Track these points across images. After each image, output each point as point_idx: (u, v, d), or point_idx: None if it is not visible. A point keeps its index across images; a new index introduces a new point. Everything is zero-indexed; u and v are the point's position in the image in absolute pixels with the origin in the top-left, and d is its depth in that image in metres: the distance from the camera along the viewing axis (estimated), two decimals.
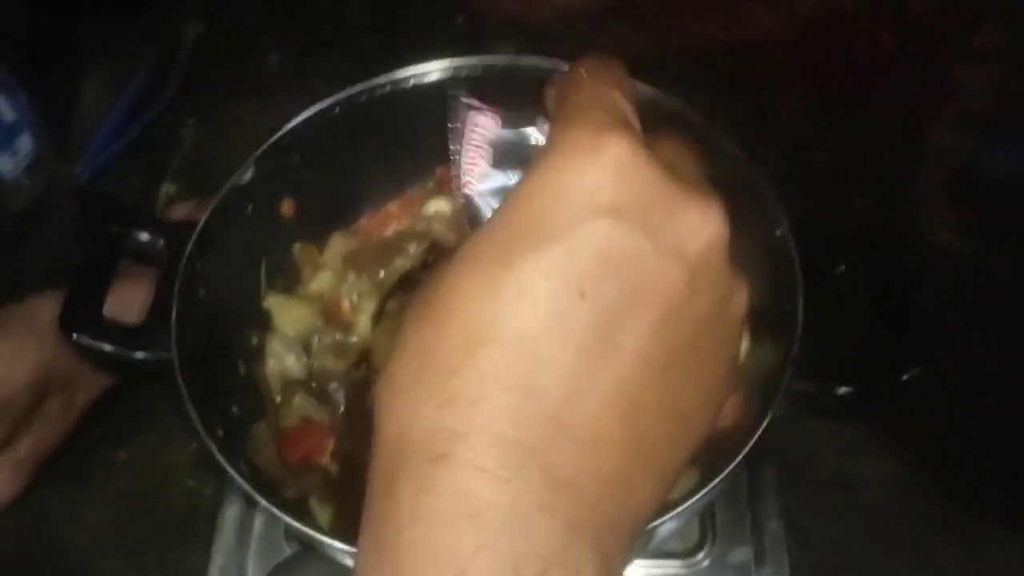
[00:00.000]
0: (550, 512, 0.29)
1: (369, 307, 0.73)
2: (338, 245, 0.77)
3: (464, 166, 0.41)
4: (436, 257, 0.75)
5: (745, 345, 0.69)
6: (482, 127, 0.41)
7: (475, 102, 0.42)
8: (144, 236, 0.67)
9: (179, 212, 0.91)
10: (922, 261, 0.69)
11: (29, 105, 0.97)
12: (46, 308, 0.75)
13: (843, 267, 0.64)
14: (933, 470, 0.81)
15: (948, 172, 0.95)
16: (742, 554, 0.70)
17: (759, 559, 0.70)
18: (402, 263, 0.74)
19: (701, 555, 0.70)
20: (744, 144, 0.71)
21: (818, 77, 1.05)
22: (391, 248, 0.76)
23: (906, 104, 1.01)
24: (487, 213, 0.41)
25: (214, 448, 0.58)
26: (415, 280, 0.73)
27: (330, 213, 0.78)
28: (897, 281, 0.62)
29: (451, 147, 0.41)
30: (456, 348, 0.30)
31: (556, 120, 0.35)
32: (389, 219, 0.79)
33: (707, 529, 0.71)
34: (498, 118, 0.41)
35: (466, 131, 0.41)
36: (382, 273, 0.74)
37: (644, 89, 0.70)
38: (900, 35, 1.04)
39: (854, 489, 0.82)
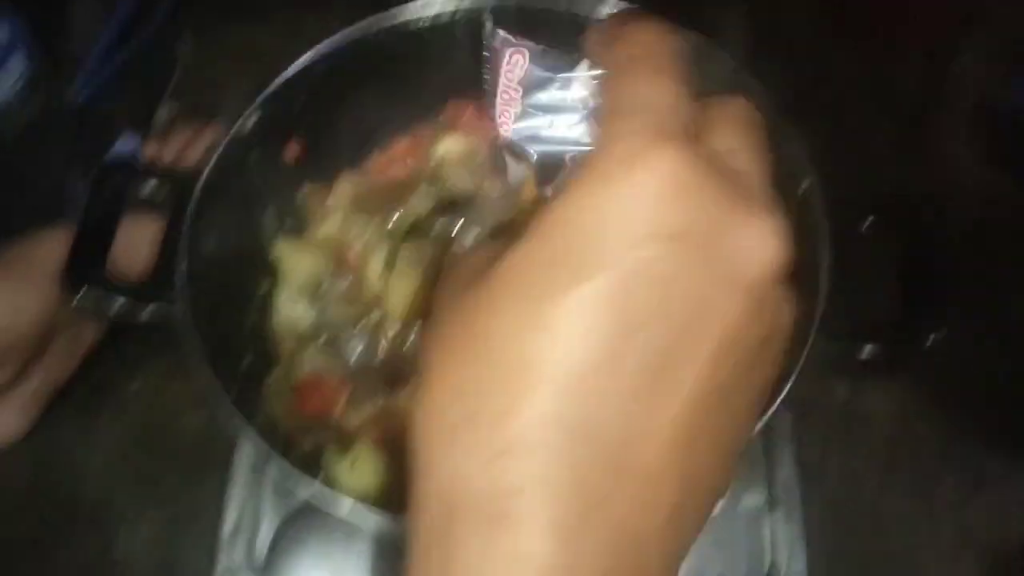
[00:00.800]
0: (614, 566, 0.28)
1: (379, 253, 0.71)
2: (346, 187, 0.75)
3: (499, 106, 0.39)
4: (447, 199, 0.73)
5: None
6: (519, 67, 0.39)
7: (512, 37, 0.39)
8: (148, 184, 0.65)
9: (178, 138, 0.89)
10: (944, 207, 0.67)
11: (22, 25, 0.94)
12: (50, 246, 0.74)
13: (870, 220, 0.62)
14: (942, 403, 0.82)
15: (973, 102, 0.92)
16: (755, 500, 0.71)
17: (772, 504, 0.71)
18: (413, 205, 0.73)
19: None
20: (756, 72, 0.68)
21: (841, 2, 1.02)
22: (400, 189, 0.74)
23: (930, 30, 0.97)
24: (518, 156, 0.39)
25: (231, 407, 0.58)
26: (426, 226, 0.72)
27: (337, 154, 0.75)
28: (923, 239, 0.61)
29: (485, 80, 0.39)
30: (505, 390, 0.28)
31: (602, 121, 0.31)
32: (397, 158, 0.76)
33: None
34: (536, 56, 0.39)
35: (502, 68, 0.39)
36: (392, 216, 0.72)
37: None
38: None
39: (864, 422, 0.82)
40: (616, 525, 0.28)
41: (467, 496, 0.28)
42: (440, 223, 0.72)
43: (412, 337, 0.70)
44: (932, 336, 0.57)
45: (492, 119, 0.40)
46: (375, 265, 0.71)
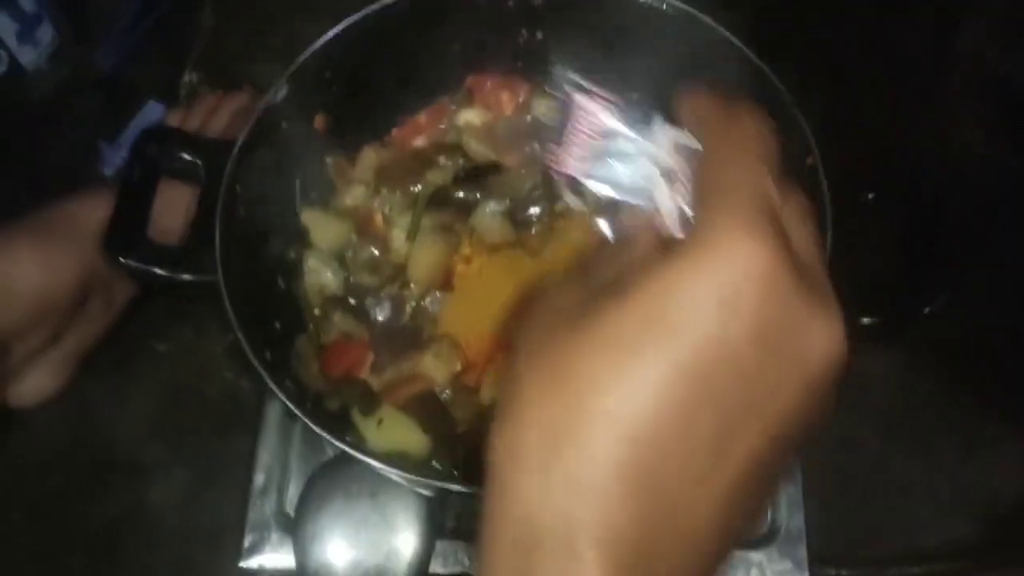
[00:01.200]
0: None
1: (403, 221, 0.74)
2: (370, 157, 0.77)
3: (568, 147, 0.41)
4: (468, 170, 0.75)
5: None
6: (592, 114, 0.40)
7: (586, 83, 0.41)
8: (184, 156, 0.68)
9: (204, 105, 0.91)
10: (950, 176, 0.69)
11: None
12: (84, 211, 0.76)
13: (872, 195, 0.64)
14: (941, 368, 0.84)
15: (979, 73, 0.94)
16: None
17: None
18: (434, 176, 0.75)
19: None
20: (762, 45, 0.70)
21: None
22: (422, 160, 0.76)
23: (937, 2, 0.98)
24: (579, 194, 0.41)
25: (263, 371, 0.60)
26: (448, 196, 0.74)
27: (362, 125, 0.78)
28: (923, 211, 0.63)
29: (557, 122, 0.41)
30: (587, 434, 0.30)
31: (704, 196, 0.34)
32: (419, 129, 0.79)
33: None
34: (611, 108, 0.40)
35: (574, 112, 0.40)
36: (415, 186, 0.75)
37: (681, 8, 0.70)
38: None
39: (865, 386, 0.84)
40: (666, 573, 0.31)
41: (542, 526, 0.31)
42: (461, 193, 0.74)
43: (431, 301, 0.73)
44: (928, 307, 0.59)
45: (554, 155, 0.41)
46: (399, 233, 0.74)
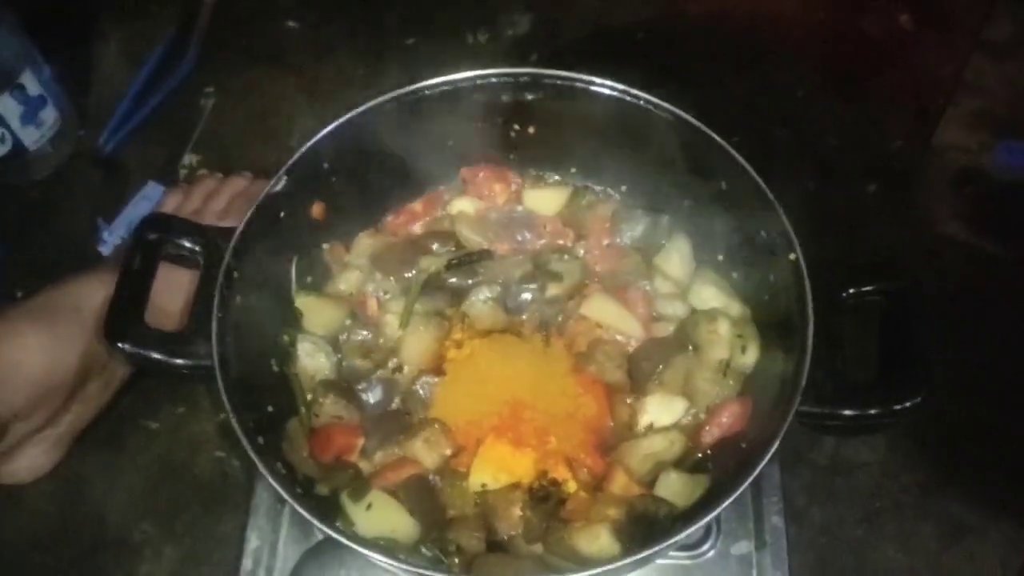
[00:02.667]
0: None
1: (396, 306, 0.75)
2: (365, 244, 0.79)
3: None
4: (460, 258, 0.77)
5: (754, 355, 0.73)
6: None
7: None
8: (183, 243, 0.70)
9: (203, 187, 0.93)
10: (929, 253, 0.69)
11: (53, 78, 0.99)
12: (87, 292, 0.78)
13: (851, 291, 0.66)
14: (923, 456, 0.86)
15: (956, 167, 0.97)
16: (745, 546, 0.75)
17: (760, 550, 0.74)
18: (427, 262, 0.77)
19: (706, 547, 0.75)
20: (754, 125, 0.72)
21: (830, 59, 1.07)
22: (416, 246, 0.78)
23: (919, 91, 1.01)
24: None
25: (257, 459, 0.61)
26: (440, 282, 0.76)
27: (358, 213, 0.80)
28: (904, 308, 0.65)
29: None
30: None
31: None
32: (414, 217, 0.81)
33: (712, 524, 0.75)
34: None
35: None
36: (409, 272, 0.77)
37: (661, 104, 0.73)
38: (916, 16, 1.05)
39: (850, 473, 0.86)
40: None
41: None
42: (454, 279, 0.77)
43: (422, 385, 0.74)
44: (908, 403, 0.61)
45: None
46: (392, 319, 0.75)
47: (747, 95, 1.05)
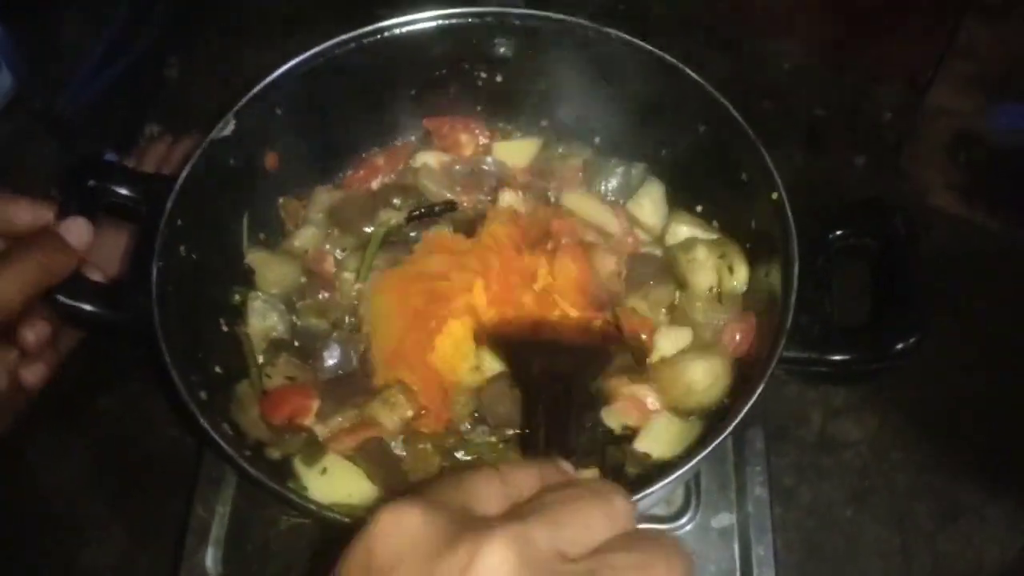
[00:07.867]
0: None
1: (353, 264, 0.71)
2: (322, 198, 0.75)
3: None
4: (421, 211, 0.73)
5: (743, 273, 0.69)
6: None
7: None
8: (122, 191, 0.66)
9: (154, 151, 0.89)
10: (922, 225, 0.67)
11: (7, 41, 0.95)
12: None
13: (839, 232, 0.62)
14: (915, 433, 0.82)
15: (950, 133, 0.94)
16: (726, 518, 0.70)
17: (743, 523, 0.70)
18: (387, 217, 0.73)
19: (685, 519, 0.70)
20: (739, 98, 0.69)
21: (816, 27, 1.04)
22: (376, 201, 0.74)
23: (909, 60, 0.99)
24: None
25: (196, 412, 0.57)
26: (400, 236, 0.72)
27: (315, 166, 0.76)
28: (895, 249, 0.61)
29: None
30: None
31: None
32: (375, 172, 0.77)
33: (691, 494, 0.71)
34: None
35: None
36: (367, 228, 0.73)
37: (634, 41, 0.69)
38: None
39: (838, 451, 0.82)
40: None
41: None
42: (413, 233, 0.73)
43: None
44: (903, 344, 0.57)
45: None
46: (349, 276, 0.71)
47: (732, 67, 1.02)
